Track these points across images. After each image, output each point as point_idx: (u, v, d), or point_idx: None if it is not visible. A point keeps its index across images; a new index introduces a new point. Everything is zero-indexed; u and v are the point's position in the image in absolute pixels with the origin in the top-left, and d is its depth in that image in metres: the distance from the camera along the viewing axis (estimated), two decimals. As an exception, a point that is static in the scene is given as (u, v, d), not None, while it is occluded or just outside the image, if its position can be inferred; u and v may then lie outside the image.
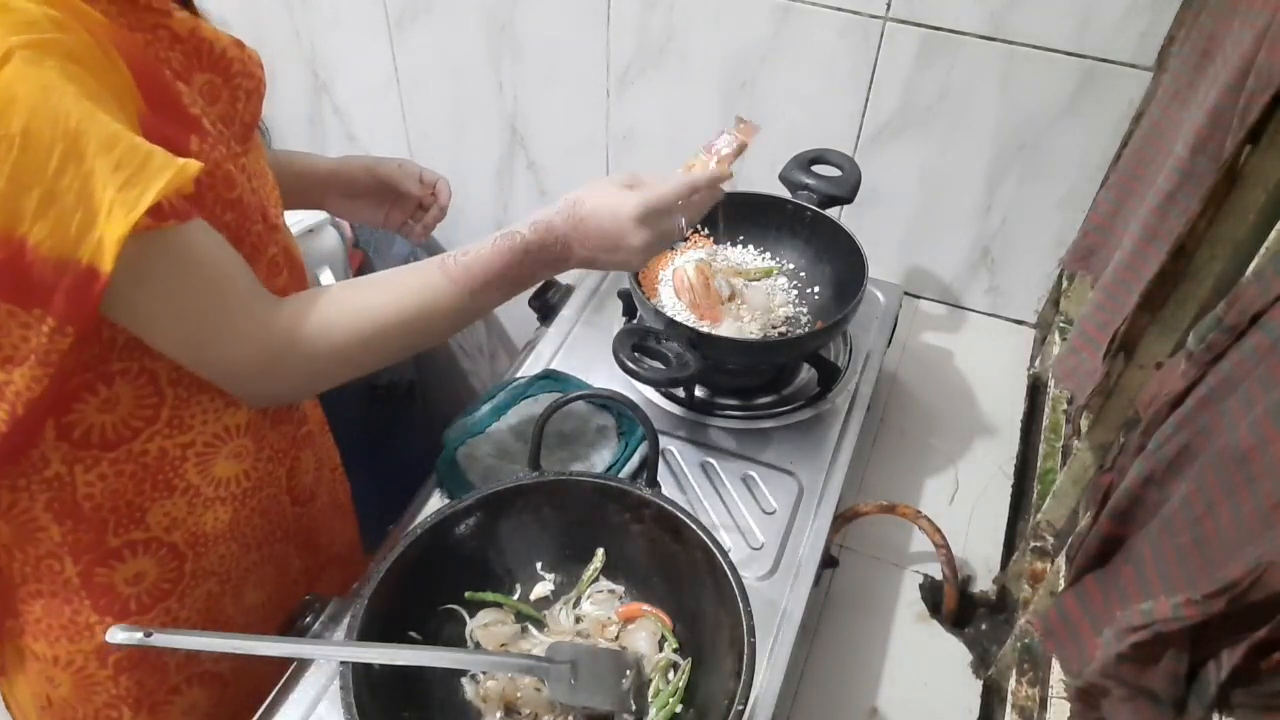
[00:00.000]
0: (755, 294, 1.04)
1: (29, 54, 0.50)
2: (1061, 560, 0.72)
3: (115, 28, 0.57)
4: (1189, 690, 0.41)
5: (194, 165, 0.56)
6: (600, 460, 0.90)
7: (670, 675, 0.71)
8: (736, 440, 0.96)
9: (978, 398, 1.15)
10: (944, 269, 1.26)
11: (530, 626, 0.75)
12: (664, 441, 0.95)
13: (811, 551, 0.84)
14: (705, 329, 0.96)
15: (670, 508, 0.72)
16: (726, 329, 0.98)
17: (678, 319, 0.95)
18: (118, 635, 0.57)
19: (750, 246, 1.11)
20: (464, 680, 0.72)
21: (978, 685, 0.86)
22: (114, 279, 0.54)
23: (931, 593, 0.93)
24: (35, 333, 0.57)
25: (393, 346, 0.72)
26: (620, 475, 0.88)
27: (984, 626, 0.91)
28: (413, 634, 0.71)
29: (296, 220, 1.38)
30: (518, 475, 0.75)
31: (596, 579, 0.77)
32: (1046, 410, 1.03)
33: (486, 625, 0.73)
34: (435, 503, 0.90)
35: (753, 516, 0.88)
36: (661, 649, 0.73)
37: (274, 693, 0.74)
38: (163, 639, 0.57)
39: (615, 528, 0.76)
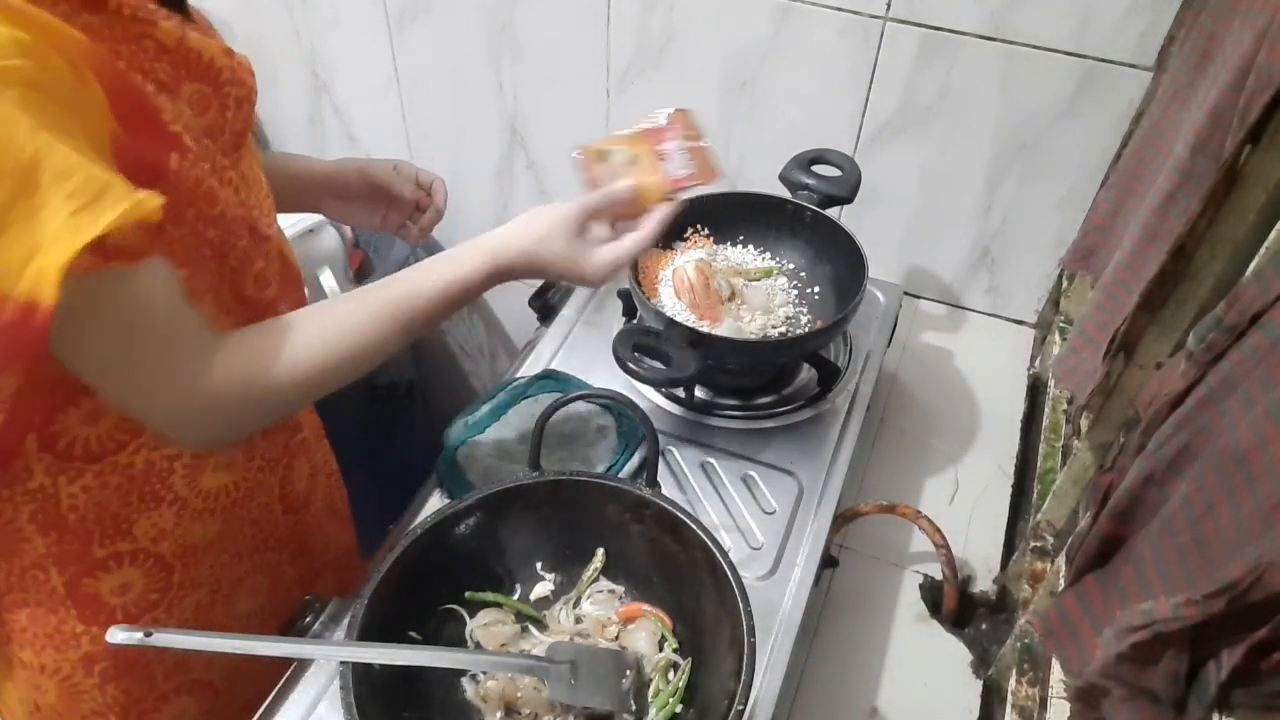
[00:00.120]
0: (755, 294, 1.04)
1: None
2: (1061, 560, 0.72)
3: (92, 46, 0.55)
4: (1189, 690, 0.41)
5: (153, 201, 0.54)
6: (600, 460, 0.90)
7: (670, 675, 0.71)
8: (736, 440, 0.96)
9: (978, 398, 1.15)
10: (944, 269, 1.26)
11: (530, 626, 0.75)
12: (664, 441, 0.95)
13: (811, 551, 0.84)
14: (705, 329, 0.96)
15: (670, 508, 0.72)
16: (726, 329, 0.98)
17: (678, 319, 0.94)
18: (118, 635, 0.57)
19: (750, 246, 1.11)
20: (464, 680, 0.72)
21: (978, 685, 0.86)
22: (56, 314, 0.51)
23: (931, 593, 0.93)
24: None
25: (329, 388, 0.71)
26: (620, 475, 0.88)
27: (984, 626, 0.91)
28: (413, 634, 0.71)
29: (296, 221, 1.38)
30: (518, 475, 0.75)
31: (596, 579, 0.77)
32: (1046, 410, 1.03)
33: (486, 625, 0.73)
34: (435, 503, 0.90)
35: (753, 516, 0.88)
36: (661, 649, 0.73)
37: (274, 693, 0.74)
38: (163, 639, 0.57)
39: (615, 528, 0.76)
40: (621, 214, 0.78)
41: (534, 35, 1.29)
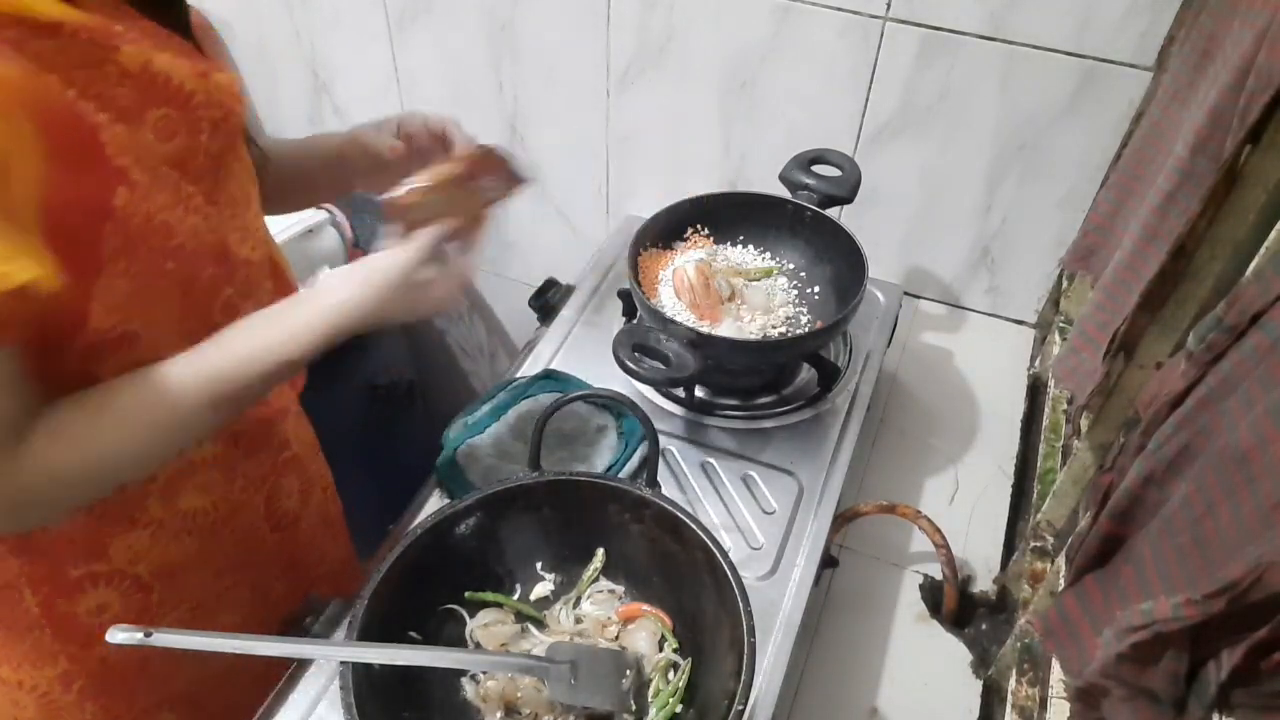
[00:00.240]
0: (755, 294, 1.04)
1: None
2: (1061, 560, 0.72)
3: (33, 80, 0.52)
4: (1189, 690, 0.41)
5: (17, 279, 0.51)
6: (600, 460, 0.90)
7: (670, 675, 0.71)
8: (736, 440, 0.96)
9: (978, 398, 1.15)
10: (944, 269, 1.26)
11: (530, 626, 0.75)
12: (664, 441, 0.95)
13: (811, 551, 0.84)
14: (705, 329, 0.96)
15: (670, 508, 0.72)
16: (726, 329, 0.98)
17: (678, 319, 0.94)
18: (118, 635, 0.57)
19: (750, 246, 1.11)
20: (464, 680, 0.72)
21: (978, 685, 0.86)
22: None
23: (931, 593, 0.93)
24: None
25: (154, 463, 0.68)
26: (620, 475, 0.88)
27: (984, 626, 0.91)
28: (413, 634, 0.71)
29: (296, 221, 1.38)
30: (518, 475, 0.75)
31: (596, 579, 0.77)
32: (1046, 410, 1.03)
33: (486, 625, 0.73)
34: (435, 503, 0.90)
35: (753, 516, 0.88)
36: (661, 649, 0.73)
37: (274, 693, 0.74)
38: (163, 639, 0.57)
39: (615, 528, 0.76)
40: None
41: (534, 35, 1.29)
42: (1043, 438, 1.00)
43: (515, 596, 0.77)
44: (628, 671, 0.68)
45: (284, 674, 0.75)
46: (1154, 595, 0.45)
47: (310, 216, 1.41)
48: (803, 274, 1.09)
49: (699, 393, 0.99)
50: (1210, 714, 0.41)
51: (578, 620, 0.75)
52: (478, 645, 0.73)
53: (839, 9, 1.08)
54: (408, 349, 1.70)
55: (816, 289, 1.07)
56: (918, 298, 1.29)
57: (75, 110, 0.55)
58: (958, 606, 0.91)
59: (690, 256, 1.05)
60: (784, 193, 1.08)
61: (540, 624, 0.75)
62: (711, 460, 0.94)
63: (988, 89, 1.07)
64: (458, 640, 0.73)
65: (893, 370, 1.17)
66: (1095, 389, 0.73)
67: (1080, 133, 1.06)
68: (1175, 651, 0.40)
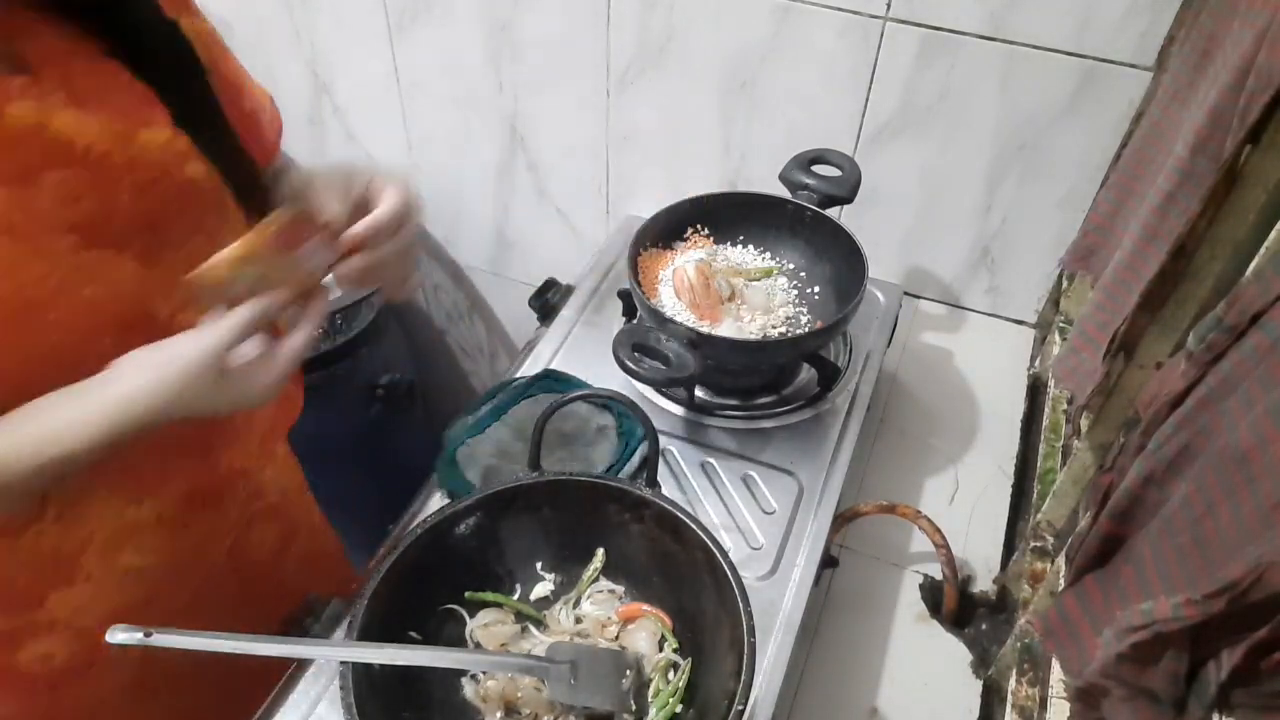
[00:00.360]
0: (755, 294, 1.04)
1: None
2: (1061, 560, 0.72)
3: None
4: (1189, 690, 0.41)
5: None
6: (600, 460, 0.89)
7: (670, 675, 0.71)
8: (736, 440, 0.96)
9: (978, 398, 1.15)
10: (944, 269, 1.26)
11: (530, 626, 0.75)
12: (664, 441, 0.95)
13: (811, 551, 0.84)
14: (705, 329, 0.96)
15: (670, 508, 0.72)
16: (726, 329, 0.98)
17: (678, 319, 0.94)
18: (118, 635, 0.57)
19: (750, 246, 1.11)
20: (464, 680, 0.72)
21: (978, 685, 0.86)
22: None
23: (931, 593, 0.93)
24: None
25: None
26: (620, 475, 0.88)
27: (984, 626, 0.91)
28: (413, 634, 0.71)
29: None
30: (518, 475, 0.75)
31: (596, 579, 0.77)
32: (1046, 410, 1.03)
33: (486, 625, 0.73)
34: (435, 503, 0.90)
35: (753, 516, 0.88)
36: (661, 649, 0.73)
37: (274, 693, 0.74)
38: (163, 639, 0.57)
39: (615, 528, 0.76)
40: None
41: (534, 35, 1.29)
42: (1043, 438, 1.00)
43: (515, 596, 0.77)
44: (628, 671, 0.68)
45: (288, 670, 0.75)
46: (1154, 595, 0.45)
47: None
48: (803, 274, 1.09)
49: (699, 393, 0.99)
50: (1210, 714, 0.41)
51: (578, 620, 0.75)
52: (478, 645, 0.73)
53: (839, 9, 1.08)
54: (408, 349, 1.70)
55: (816, 289, 1.07)
56: (918, 298, 1.29)
57: None
58: (958, 606, 0.91)
59: (690, 256, 1.05)
60: (784, 193, 1.08)
61: (540, 624, 0.75)
62: (711, 460, 0.94)
63: (988, 89, 1.07)
64: (458, 640, 0.73)
65: (893, 370, 1.17)
66: (1095, 389, 0.73)
67: (1080, 133, 1.06)
68: (1175, 651, 0.40)
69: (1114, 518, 0.52)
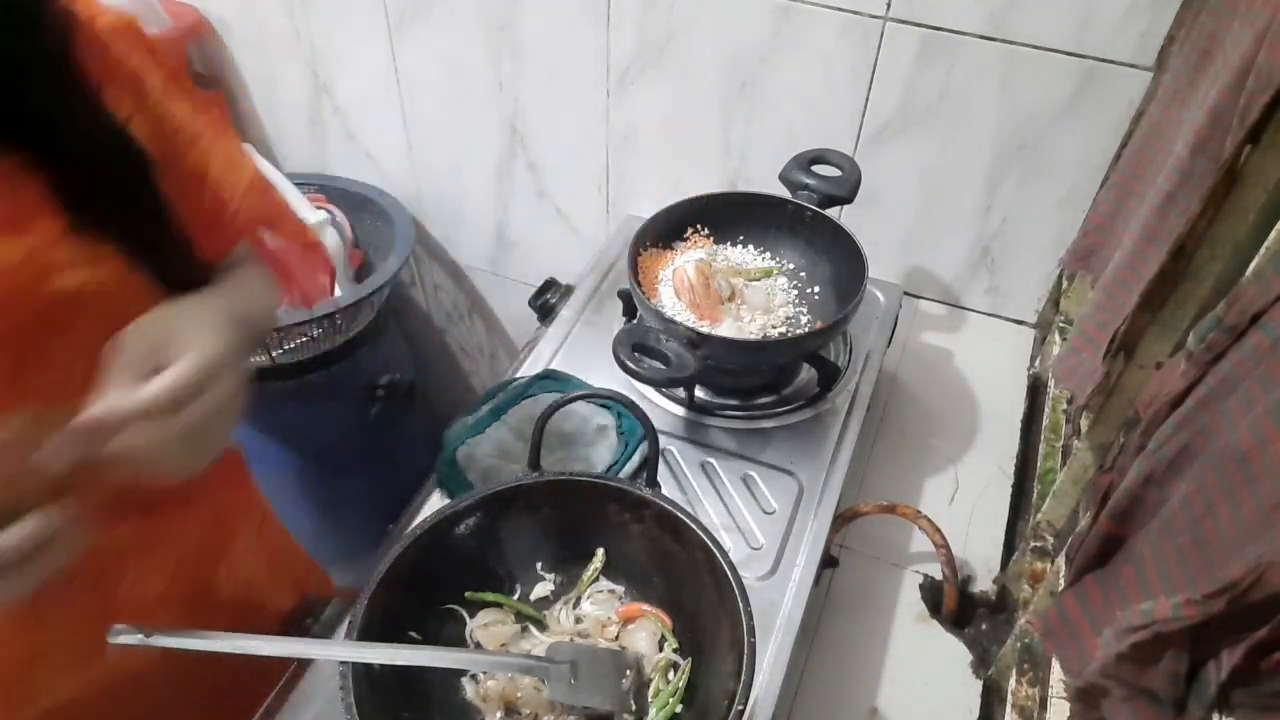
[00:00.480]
0: (755, 294, 1.04)
1: None
2: (1061, 560, 0.72)
3: None
4: (1189, 690, 0.41)
5: None
6: (600, 460, 0.89)
7: (670, 675, 0.71)
8: (736, 440, 0.96)
9: (978, 398, 1.15)
10: (944, 269, 1.26)
11: (530, 626, 0.75)
12: (664, 441, 0.95)
13: (811, 551, 0.84)
14: (705, 329, 0.96)
15: (670, 508, 0.72)
16: (726, 329, 0.98)
17: (678, 319, 0.94)
18: (118, 636, 0.57)
19: (750, 246, 1.11)
20: (464, 680, 0.72)
21: (978, 685, 0.86)
22: None
23: (931, 593, 0.93)
24: None
25: None
26: (620, 475, 0.88)
27: (984, 626, 0.91)
28: (413, 634, 0.71)
29: (296, 220, 1.38)
30: (518, 475, 0.75)
31: (596, 579, 0.77)
32: (1046, 410, 1.03)
33: (486, 625, 0.73)
34: (435, 503, 0.90)
35: (753, 516, 0.88)
36: (661, 649, 0.73)
37: (274, 693, 0.74)
38: (163, 639, 0.57)
39: (615, 528, 0.76)
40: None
41: (534, 35, 1.29)
42: (1043, 438, 1.00)
43: (515, 596, 0.77)
44: (628, 671, 0.68)
45: (289, 669, 0.75)
46: (1154, 595, 0.45)
47: (310, 216, 1.41)
48: (803, 274, 1.09)
49: (699, 393, 0.99)
50: (1210, 714, 0.41)
51: (578, 620, 0.75)
52: (478, 645, 0.73)
53: (839, 9, 1.08)
54: (408, 349, 1.70)
55: (816, 289, 1.07)
56: (918, 298, 1.29)
57: None
58: (958, 606, 0.91)
59: (690, 256, 1.05)
60: (784, 193, 1.08)
61: (540, 624, 0.75)
62: (711, 460, 0.94)
63: (988, 89, 1.07)
64: (458, 640, 0.73)
65: (893, 370, 1.17)
66: (1095, 389, 0.73)
67: (1080, 133, 1.06)
68: (1175, 651, 0.40)
69: (1114, 518, 0.52)
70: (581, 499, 0.75)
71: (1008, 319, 1.27)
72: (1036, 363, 1.18)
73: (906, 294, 1.23)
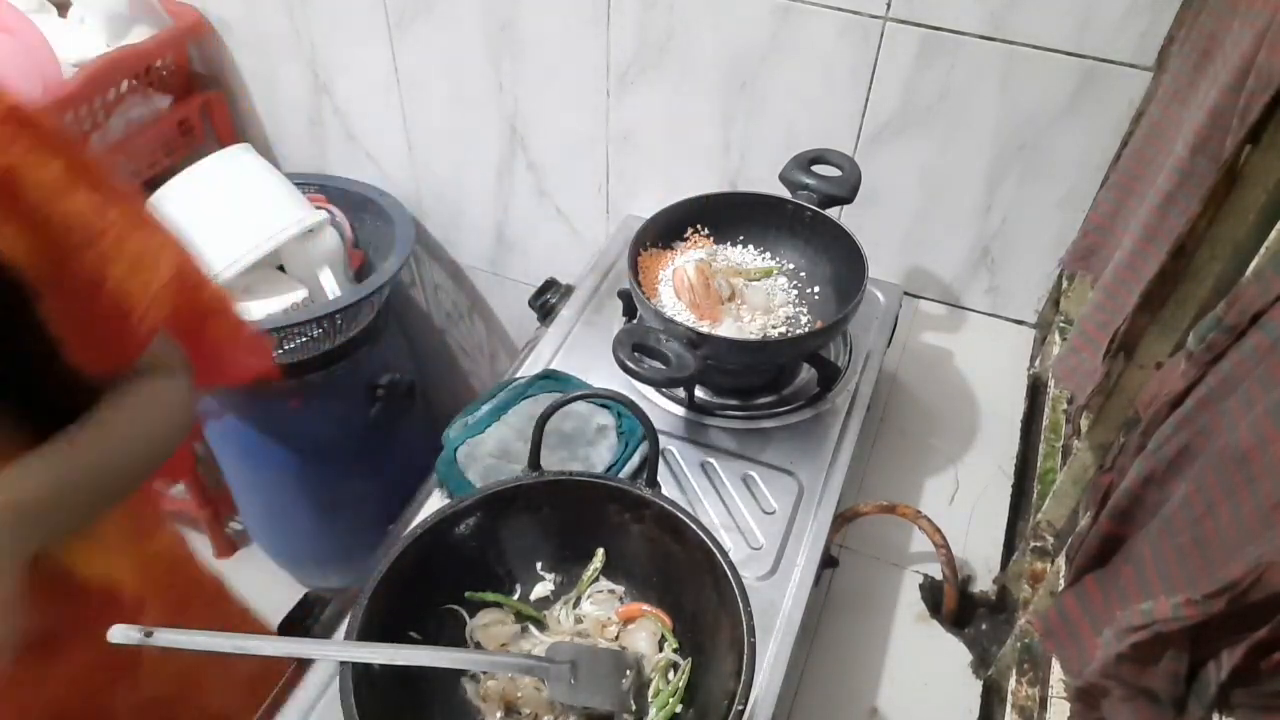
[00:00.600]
0: (755, 294, 1.04)
1: None
2: (1061, 560, 0.72)
3: None
4: (1189, 690, 0.41)
5: None
6: (600, 460, 0.90)
7: (670, 675, 0.71)
8: (736, 440, 0.96)
9: (978, 398, 1.15)
10: (944, 269, 1.26)
11: (530, 626, 0.75)
12: (664, 441, 0.95)
13: (811, 551, 0.84)
14: (705, 329, 0.96)
15: (670, 508, 0.72)
16: (726, 329, 0.98)
17: (678, 319, 0.94)
18: (117, 635, 0.57)
19: (750, 246, 1.11)
20: (464, 680, 0.72)
21: (978, 685, 0.86)
22: None
23: (931, 593, 0.93)
24: None
25: None
26: (620, 475, 0.88)
27: (984, 626, 0.91)
28: (413, 634, 0.71)
29: (297, 220, 1.38)
30: (518, 475, 0.75)
31: (596, 579, 0.77)
32: (1046, 410, 1.03)
33: (486, 625, 0.73)
34: (435, 503, 0.90)
35: (753, 516, 0.88)
36: (661, 649, 0.73)
37: (274, 693, 0.74)
38: (163, 639, 0.57)
39: (615, 528, 0.76)
40: None
41: (534, 35, 1.29)
42: (1043, 438, 1.00)
43: (515, 596, 0.77)
44: (628, 671, 0.68)
45: (288, 669, 0.75)
46: (1154, 595, 0.45)
47: (310, 216, 1.41)
48: (803, 274, 1.09)
49: (699, 393, 0.99)
50: (1210, 714, 0.41)
51: (578, 620, 0.75)
52: (478, 645, 0.73)
53: (839, 9, 1.08)
54: (408, 349, 1.71)
55: (816, 289, 1.07)
56: (918, 298, 1.29)
57: None
58: (958, 606, 0.91)
59: (690, 256, 1.05)
60: (784, 193, 1.08)
61: (540, 624, 0.75)
62: (711, 460, 0.94)
63: (988, 89, 1.07)
64: (458, 640, 0.73)
65: (893, 370, 1.17)
66: (1095, 389, 0.73)
67: (1080, 133, 1.06)
68: (1175, 651, 0.40)
69: (1114, 518, 0.52)
70: (581, 499, 0.75)
71: (1008, 319, 1.27)
72: (1036, 363, 1.18)
73: (906, 294, 1.23)
